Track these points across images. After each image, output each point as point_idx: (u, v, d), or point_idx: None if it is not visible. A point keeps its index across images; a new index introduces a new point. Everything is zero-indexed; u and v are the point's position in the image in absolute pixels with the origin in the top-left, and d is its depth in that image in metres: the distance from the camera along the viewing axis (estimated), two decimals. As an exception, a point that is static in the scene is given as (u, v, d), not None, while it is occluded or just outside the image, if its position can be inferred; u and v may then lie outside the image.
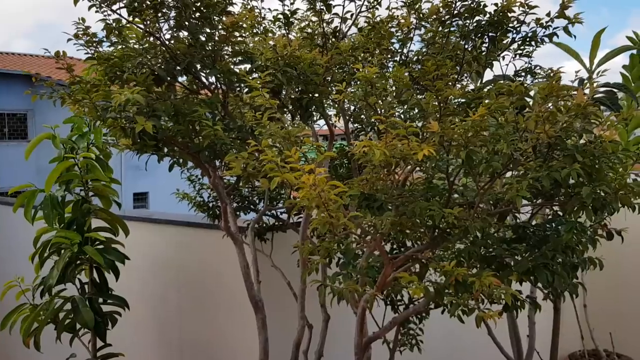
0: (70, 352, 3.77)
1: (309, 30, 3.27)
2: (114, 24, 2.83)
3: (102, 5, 2.74)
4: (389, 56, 3.16)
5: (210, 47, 2.96)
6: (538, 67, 3.18)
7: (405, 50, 3.16)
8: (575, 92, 2.13)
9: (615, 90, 3.16)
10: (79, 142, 3.72)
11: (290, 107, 3.09)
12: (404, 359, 3.50)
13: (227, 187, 3.37)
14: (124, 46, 2.90)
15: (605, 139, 2.24)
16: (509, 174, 2.47)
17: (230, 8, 2.95)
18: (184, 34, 2.93)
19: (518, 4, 2.76)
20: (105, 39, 2.91)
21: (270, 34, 3.39)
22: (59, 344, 3.59)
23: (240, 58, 3.07)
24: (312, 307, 3.34)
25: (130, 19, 2.82)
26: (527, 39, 2.92)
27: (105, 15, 2.81)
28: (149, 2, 2.73)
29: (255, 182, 3.68)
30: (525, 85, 2.98)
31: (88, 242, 3.68)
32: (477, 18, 2.83)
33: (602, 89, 3.05)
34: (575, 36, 2.86)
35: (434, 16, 2.93)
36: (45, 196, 3.66)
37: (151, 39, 2.93)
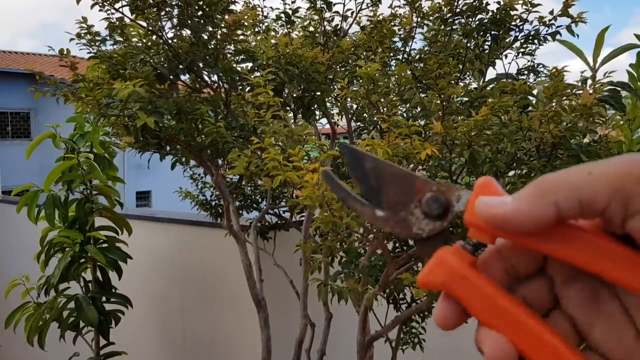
0: (74, 350, 3.78)
1: (311, 29, 3.27)
2: (116, 22, 2.83)
3: (105, 3, 2.74)
4: (391, 54, 3.15)
5: (212, 46, 2.96)
6: (541, 66, 3.17)
7: (407, 49, 3.15)
8: (580, 92, 2.12)
9: (619, 89, 3.15)
10: (80, 142, 3.73)
11: (292, 106, 3.09)
12: (407, 358, 3.50)
13: (229, 185, 3.37)
14: (126, 45, 2.90)
15: (612, 139, 2.23)
16: (511, 172, 2.47)
17: (232, 6, 2.95)
18: (186, 32, 2.93)
19: (521, 2, 2.75)
20: (108, 38, 2.91)
21: (272, 33, 3.39)
22: (62, 343, 3.60)
23: (242, 56, 3.07)
24: (314, 305, 3.34)
25: (133, 17, 2.82)
26: (530, 37, 2.91)
27: (108, 14, 2.81)
28: (151, 1, 2.73)
29: (258, 181, 3.68)
30: (528, 83, 2.97)
31: (91, 241, 3.69)
32: (479, 16, 2.82)
33: (605, 88, 3.04)
34: (578, 35, 2.85)
35: (436, 14, 2.93)
36: (47, 196, 3.67)
37: (154, 37, 2.93)
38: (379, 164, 0.46)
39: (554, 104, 2.15)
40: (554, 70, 2.44)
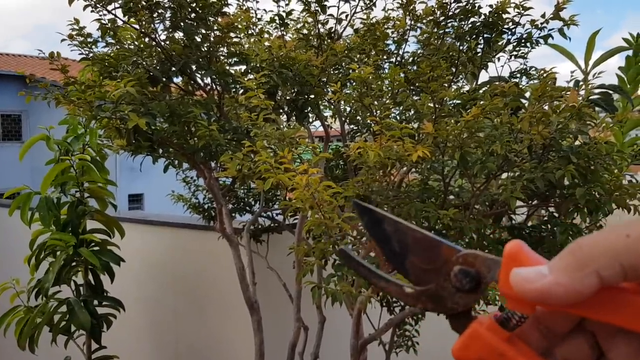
0: (65, 354, 3.75)
1: (305, 32, 3.27)
2: (109, 24, 2.82)
3: (97, 5, 2.73)
4: (385, 57, 3.16)
5: (205, 48, 2.95)
6: (533, 69, 3.18)
7: (400, 52, 3.16)
8: (569, 93, 2.14)
9: (611, 91, 3.17)
10: (74, 144, 3.71)
11: (286, 108, 3.09)
12: (400, 361, 3.50)
13: (222, 188, 3.36)
14: (119, 47, 2.89)
15: (600, 140, 2.24)
16: (504, 175, 2.47)
17: (225, 9, 2.95)
18: (179, 34, 2.92)
19: (513, 5, 2.76)
20: (100, 39, 2.90)
21: (265, 35, 3.39)
22: (53, 347, 3.58)
23: (235, 59, 3.06)
24: (307, 308, 3.33)
25: (126, 19, 2.81)
26: (522, 41, 2.92)
27: (100, 16, 2.80)
28: (144, 3, 2.73)
29: (251, 184, 3.67)
30: (521, 86, 2.98)
31: (83, 244, 3.66)
32: (472, 19, 2.83)
33: (597, 91, 3.05)
34: (570, 38, 2.86)
35: (430, 17, 2.93)
36: (40, 198, 3.65)
37: (146, 39, 2.92)
38: (400, 227, 0.44)
39: (545, 106, 2.16)
40: (542, 71, 2.46)
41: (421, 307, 0.43)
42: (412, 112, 2.71)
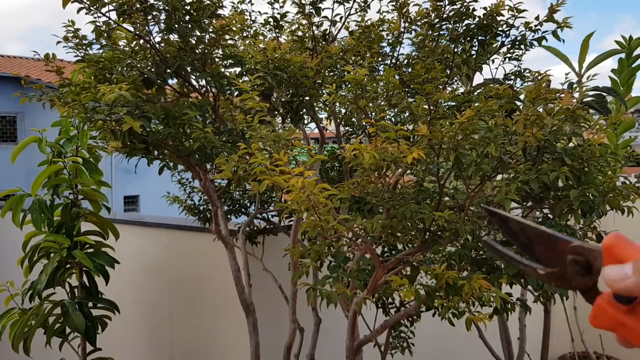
0: (60, 356, 3.74)
1: (299, 34, 3.27)
2: (103, 27, 2.82)
3: (92, 8, 2.73)
4: (380, 59, 3.16)
5: (200, 50, 2.95)
6: (527, 71, 3.20)
7: (395, 54, 3.17)
8: (563, 95, 2.15)
9: (604, 94, 3.18)
10: (66, 146, 3.69)
11: (281, 110, 3.09)
12: (396, 362, 3.50)
13: (218, 190, 3.36)
14: (113, 49, 2.89)
15: (594, 142, 2.25)
16: (499, 177, 2.48)
17: (220, 11, 2.95)
18: (174, 37, 2.92)
19: (507, 7, 2.77)
20: (94, 42, 2.90)
21: (260, 37, 3.39)
22: (48, 349, 3.56)
23: (230, 61, 3.06)
24: (303, 310, 3.33)
25: (120, 21, 2.81)
26: (517, 43, 2.93)
27: (95, 18, 2.79)
28: (138, 5, 2.72)
29: (246, 185, 3.67)
30: (515, 88, 3.00)
31: (77, 246, 3.65)
32: (466, 21, 2.84)
33: (591, 93, 3.07)
34: (564, 40, 2.88)
35: (424, 20, 2.94)
36: (33, 200, 3.63)
37: (141, 41, 2.91)
38: (523, 225, 0.59)
39: (540, 108, 2.17)
40: (537, 74, 2.47)
41: (553, 284, 0.57)
42: (407, 114, 2.71)
